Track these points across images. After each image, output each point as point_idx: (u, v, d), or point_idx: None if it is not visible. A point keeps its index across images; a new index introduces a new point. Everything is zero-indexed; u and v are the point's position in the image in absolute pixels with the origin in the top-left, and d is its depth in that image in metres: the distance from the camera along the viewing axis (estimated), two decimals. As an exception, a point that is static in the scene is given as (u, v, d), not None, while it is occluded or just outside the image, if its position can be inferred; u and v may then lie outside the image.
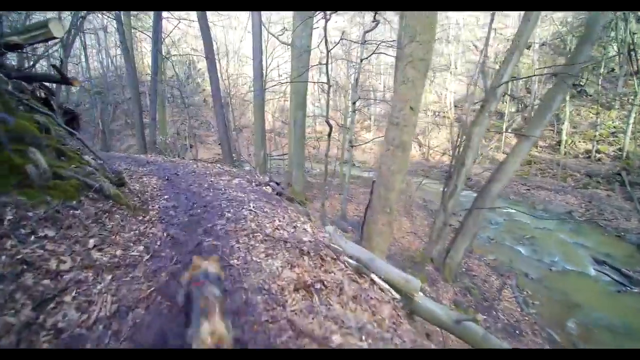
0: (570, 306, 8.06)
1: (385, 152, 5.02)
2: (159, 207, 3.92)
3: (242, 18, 29.81)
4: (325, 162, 8.90)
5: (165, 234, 3.14)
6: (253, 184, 5.86)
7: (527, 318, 7.39)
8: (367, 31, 9.96)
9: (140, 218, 3.37)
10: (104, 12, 17.89)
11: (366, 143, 20.17)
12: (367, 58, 11.01)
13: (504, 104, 23.86)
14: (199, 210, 3.97)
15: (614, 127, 18.81)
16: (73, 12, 19.67)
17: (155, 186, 4.90)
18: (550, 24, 24.45)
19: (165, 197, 4.45)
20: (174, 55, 19.09)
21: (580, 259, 10.60)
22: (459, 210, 9.73)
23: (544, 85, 22.33)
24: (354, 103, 10.54)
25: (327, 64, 7.30)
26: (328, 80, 8.29)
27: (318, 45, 9.08)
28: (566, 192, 16.78)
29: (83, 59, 24.88)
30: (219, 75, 13.30)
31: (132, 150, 21.91)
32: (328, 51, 7.13)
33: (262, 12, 13.41)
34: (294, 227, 3.85)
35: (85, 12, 20.38)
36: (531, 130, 7.45)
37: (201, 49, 13.10)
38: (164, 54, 18.05)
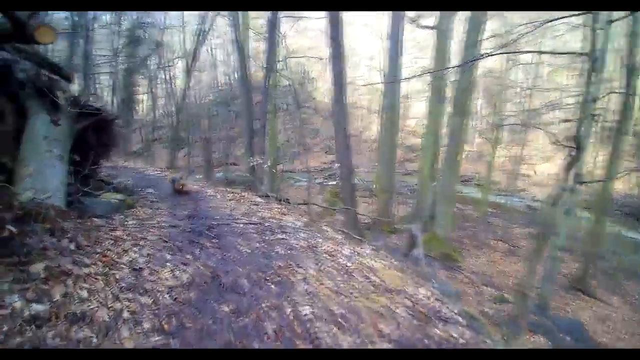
0: None
1: None
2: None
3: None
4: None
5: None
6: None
7: None
8: None
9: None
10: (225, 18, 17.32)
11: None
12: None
13: None
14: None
15: None
16: (198, 24, 20.08)
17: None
18: None
19: None
20: (291, 57, 17.18)
21: None
22: None
23: None
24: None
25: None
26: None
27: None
28: None
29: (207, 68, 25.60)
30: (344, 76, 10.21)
31: (243, 157, 21.41)
32: None
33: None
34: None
35: (210, 23, 20.74)
36: None
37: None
38: (278, 58, 16.55)
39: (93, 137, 3.79)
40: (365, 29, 28.32)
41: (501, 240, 12.87)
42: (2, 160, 3.05)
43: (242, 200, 4.26)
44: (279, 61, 16.84)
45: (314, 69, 34.26)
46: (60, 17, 17.50)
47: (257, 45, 25.44)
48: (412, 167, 23.52)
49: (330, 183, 21.44)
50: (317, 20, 24.33)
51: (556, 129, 15.18)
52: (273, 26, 14.01)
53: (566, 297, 9.18)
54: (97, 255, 2.46)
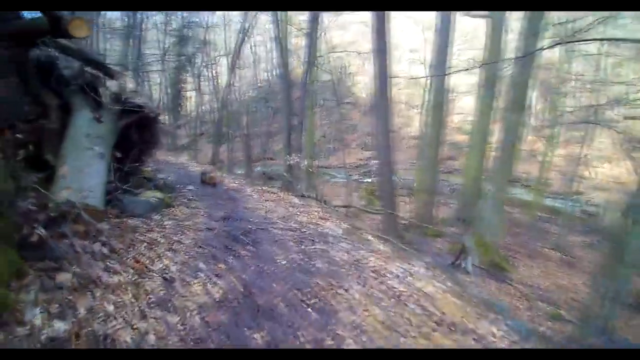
0: None
1: None
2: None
3: None
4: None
5: None
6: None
7: None
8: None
9: None
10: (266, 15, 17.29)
11: None
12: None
13: None
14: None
15: None
16: (242, 22, 20.30)
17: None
18: None
19: None
20: (331, 52, 16.79)
21: None
22: None
23: None
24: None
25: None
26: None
27: None
28: None
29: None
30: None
31: (281, 152, 21.48)
32: None
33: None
34: None
35: (252, 20, 20.92)
36: None
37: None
38: (319, 53, 16.27)
39: (135, 134, 3.73)
40: (408, 21, 27.01)
41: (555, 249, 11.63)
42: (46, 157, 3.04)
43: (279, 201, 4.03)
44: (319, 56, 16.55)
45: (353, 64, 33.55)
46: (115, 18, 18.59)
47: (296, 41, 25.32)
48: (453, 166, 22.19)
49: (366, 180, 20.88)
50: (357, 15, 23.65)
51: (621, 127, 13.37)
52: (314, 22, 13.72)
53: (636, 319, 8.01)
54: (130, 261, 2.31)
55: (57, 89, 3.48)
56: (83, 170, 2.79)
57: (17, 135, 2.63)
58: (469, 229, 11.23)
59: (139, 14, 17.10)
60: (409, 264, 2.59)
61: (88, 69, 3.44)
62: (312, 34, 13.31)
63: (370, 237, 3.22)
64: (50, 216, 2.23)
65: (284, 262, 2.34)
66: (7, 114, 3.15)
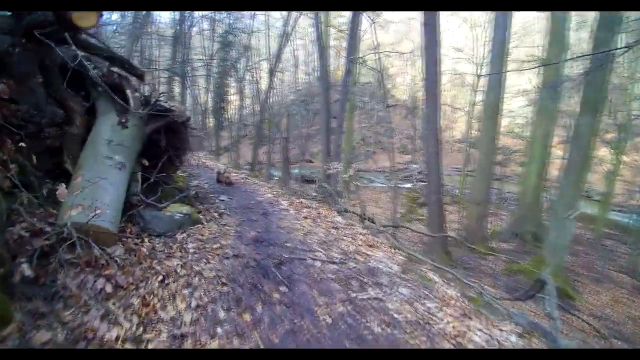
0: None
1: None
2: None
3: None
4: None
5: None
6: None
7: None
8: None
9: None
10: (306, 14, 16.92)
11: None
12: None
13: None
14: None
15: None
16: (284, 24, 20.12)
17: None
18: None
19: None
20: (374, 52, 16.02)
21: None
22: None
23: None
24: None
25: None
26: None
27: None
28: None
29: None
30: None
31: (319, 155, 20.98)
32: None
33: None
34: None
35: (293, 24, 20.69)
36: None
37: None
38: (360, 54, 15.56)
39: (164, 140, 3.34)
40: (452, 18, 25.19)
41: (626, 273, 9.88)
42: (65, 166, 2.70)
43: (318, 219, 3.43)
44: (359, 57, 15.83)
45: (394, 65, 32.29)
46: (165, 26, 19.30)
47: (336, 44, 24.74)
48: (503, 173, 20.26)
49: (405, 185, 19.70)
50: (398, 15, 22.53)
51: None
52: (355, 23, 13.08)
53: None
54: (137, 303, 1.82)
55: (84, 91, 3.19)
56: (99, 183, 2.39)
57: (22, 144, 2.27)
58: (550, 269, 9.99)
59: (187, 22, 17.59)
60: (494, 326, 1.86)
61: (114, 68, 3.10)
62: (353, 35, 12.67)
63: (432, 276, 2.51)
64: (45, 244, 1.80)
65: (327, 319, 1.73)
66: (28, 118, 2.90)
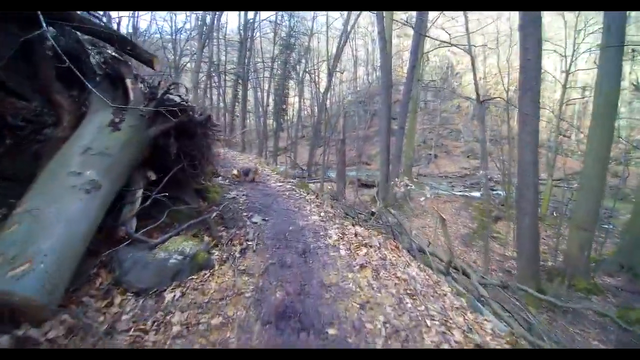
0: None
1: None
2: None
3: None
4: None
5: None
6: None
7: None
8: None
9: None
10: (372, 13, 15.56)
11: None
12: None
13: None
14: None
15: None
16: (344, 24, 18.96)
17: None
18: None
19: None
20: (440, 46, 14.11)
21: None
22: None
23: None
24: None
25: None
26: None
27: None
28: None
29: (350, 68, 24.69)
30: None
31: (377, 158, 19.35)
32: None
33: None
34: None
35: (353, 24, 19.40)
36: None
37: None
38: (424, 50, 13.69)
39: (174, 146, 2.42)
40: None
41: None
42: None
43: (382, 271, 2.17)
44: (424, 53, 13.96)
45: (461, 62, 29.01)
46: (233, 33, 19.57)
47: (399, 42, 22.77)
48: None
49: (472, 194, 17.06)
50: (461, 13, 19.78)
51: None
52: (420, 17, 11.38)
53: None
54: None
55: (79, 82, 2.41)
56: (42, 216, 1.49)
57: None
58: (635, 283, 7.53)
59: (249, 28, 17.51)
60: None
61: (109, 51, 2.24)
62: (418, 32, 10.98)
63: None
64: None
65: None
66: (33, 117, 2.17)
